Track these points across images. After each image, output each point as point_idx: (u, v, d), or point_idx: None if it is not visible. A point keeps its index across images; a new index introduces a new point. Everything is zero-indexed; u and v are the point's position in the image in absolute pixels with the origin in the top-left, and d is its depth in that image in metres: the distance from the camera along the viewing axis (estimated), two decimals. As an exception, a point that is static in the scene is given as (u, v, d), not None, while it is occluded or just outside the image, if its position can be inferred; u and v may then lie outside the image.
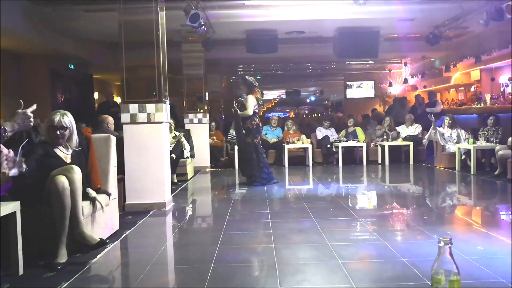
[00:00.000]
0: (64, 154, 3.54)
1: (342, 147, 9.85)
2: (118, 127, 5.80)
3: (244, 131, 7.16)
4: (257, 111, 7.14)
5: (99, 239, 3.34)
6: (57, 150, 3.51)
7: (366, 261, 3.23)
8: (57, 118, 3.47)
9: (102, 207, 3.64)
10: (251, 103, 6.99)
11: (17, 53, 8.90)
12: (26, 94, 9.11)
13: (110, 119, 6.17)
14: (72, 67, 10.70)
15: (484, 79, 12.08)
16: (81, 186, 3.31)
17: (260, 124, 7.28)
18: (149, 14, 5.20)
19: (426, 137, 9.22)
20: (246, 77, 7.26)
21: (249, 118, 7.03)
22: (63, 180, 3.18)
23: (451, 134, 8.79)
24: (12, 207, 2.91)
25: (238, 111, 7.10)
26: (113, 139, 4.13)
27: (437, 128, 8.84)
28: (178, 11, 7.16)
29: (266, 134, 10.48)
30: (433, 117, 8.91)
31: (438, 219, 4.75)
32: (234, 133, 10.63)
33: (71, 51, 9.69)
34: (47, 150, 3.45)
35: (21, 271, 2.98)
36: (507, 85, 11.12)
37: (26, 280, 2.94)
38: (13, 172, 2.69)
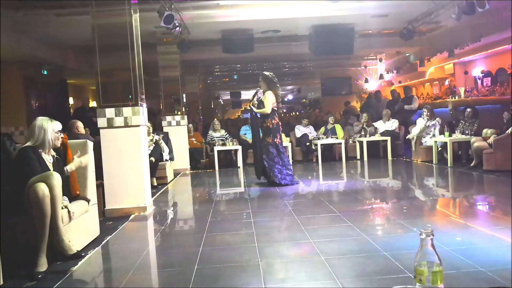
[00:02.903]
0: (48, 161, 3.52)
1: (321, 145, 9.92)
2: (96, 132, 5.72)
3: (262, 131, 6.90)
4: (276, 109, 6.84)
5: (76, 251, 3.31)
6: (44, 157, 3.48)
7: (348, 256, 3.25)
8: (56, 122, 3.56)
9: (70, 218, 3.53)
10: (270, 100, 6.72)
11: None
12: (-1, 101, 8.91)
13: (79, 123, 6.04)
14: (45, 72, 10.49)
15: (458, 73, 12.34)
16: (61, 193, 3.26)
17: (280, 123, 6.94)
18: (122, 16, 5.15)
19: (411, 136, 9.23)
20: (265, 72, 6.94)
21: (269, 117, 6.74)
22: (43, 187, 3.12)
23: (429, 125, 8.89)
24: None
25: (254, 108, 6.85)
26: (90, 144, 4.07)
27: (421, 122, 8.98)
28: (152, 12, 7.08)
29: (245, 134, 10.47)
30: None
31: (417, 212, 4.82)
32: (213, 134, 10.61)
33: (44, 56, 9.49)
34: (38, 156, 3.43)
35: (0, 282, 2.90)
36: (480, 78, 11.37)
37: (6, 290, 2.88)
38: None
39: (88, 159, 3.90)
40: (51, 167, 3.49)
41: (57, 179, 3.22)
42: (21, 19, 7.52)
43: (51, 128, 3.51)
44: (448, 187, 6.72)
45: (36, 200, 3.09)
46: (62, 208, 3.35)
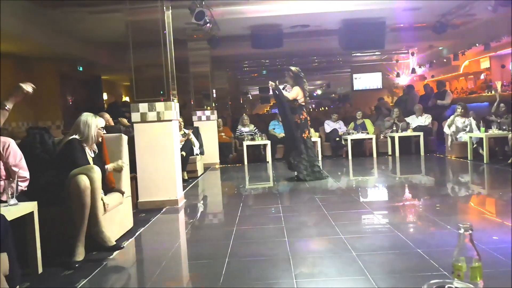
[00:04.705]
0: (90, 155, 3.67)
1: (351, 140, 9.82)
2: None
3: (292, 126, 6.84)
4: (303, 104, 6.79)
5: (115, 243, 3.42)
6: (87, 151, 3.64)
7: (380, 252, 3.21)
8: (100, 119, 3.72)
9: (105, 209, 3.61)
10: (296, 93, 6.69)
11: (26, 57, 8.97)
12: (36, 97, 9.16)
13: (106, 116, 6.15)
14: (81, 69, 10.76)
15: (494, 66, 11.98)
16: (100, 185, 3.38)
17: (308, 118, 6.88)
18: (155, 13, 5.22)
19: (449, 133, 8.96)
20: (291, 67, 6.93)
21: (297, 112, 6.71)
22: (84, 179, 3.23)
23: (464, 121, 8.67)
24: (30, 207, 2.95)
25: (277, 83, 6.66)
26: (125, 138, 4.16)
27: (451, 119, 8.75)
28: (183, 9, 7.15)
29: (274, 128, 10.48)
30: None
31: (451, 210, 4.72)
32: (242, 129, 10.65)
33: (79, 53, 9.74)
34: (83, 149, 3.59)
35: (40, 270, 3.02)
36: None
37: (45, 279, 2.98)
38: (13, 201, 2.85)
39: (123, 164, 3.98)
40: (91, 161, 3.61)
41: (97, 173, 3.33)
42: (57, 17, 7.73)
43: (94, 124, 3.66)
44: (484, 184, 6.54)
45: (77, 192, 3.19)
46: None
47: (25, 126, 8.74)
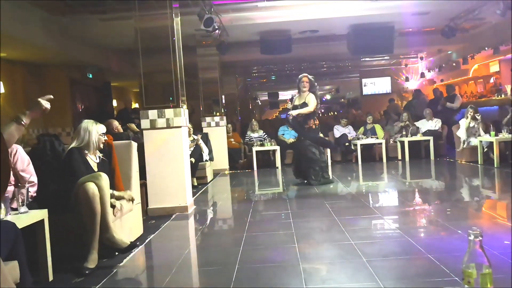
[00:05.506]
0: (93, 162, 3.66)
1: (361, 145, 9.78)
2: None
3: (303, 131, 6.93)
4: (317, 110, 6.93)
5: (129, 243, 3.42)
6: (88, 158, 3.63)
7: (391, 258, 3.20)
8: (101, 125, 3.72)
9: (114, 215, 3.62)
10: (313, 100, 6.77)
11: (37, 63, 9.08)
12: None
13: (115, 123, 6.20)
14: (91, 76, 10.85)
15: (504, 70, 11.87)
16: (109, 192, 3.40)
17: (317, 123, 6.97)
18: (164, 20, 5.26)
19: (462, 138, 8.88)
20: (309, 76, 6.97)
21: (311, 118, 6.81)
22: (92, 186, 3.25)
23: (474, 125, 8.59)
24: (40, 215, 2.97)
25: (296, 111, 6.77)
26: (134, 145, 4.19)
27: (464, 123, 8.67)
28: (192, 16, 7.20)
29: (283, 134, 10.48)
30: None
31: (462, 214, 4.69)
32: (251, 135, 10.66)
33: (89, 59, 9.83)
34: (83, 157, 3.59)
35: (50, 277, 3.04)
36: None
37: (55, 286, 3.00)
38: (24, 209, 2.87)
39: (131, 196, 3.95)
40: (95, 168, 3.63)
41: (105, 180, 3.36)
42: (67, 23, 7.82)
43: (95, 130, 3.66)
44: (495, 188, 6.48)
45: (86, 199, 3.22)
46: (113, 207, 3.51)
47: (35, 133, 8.82)
